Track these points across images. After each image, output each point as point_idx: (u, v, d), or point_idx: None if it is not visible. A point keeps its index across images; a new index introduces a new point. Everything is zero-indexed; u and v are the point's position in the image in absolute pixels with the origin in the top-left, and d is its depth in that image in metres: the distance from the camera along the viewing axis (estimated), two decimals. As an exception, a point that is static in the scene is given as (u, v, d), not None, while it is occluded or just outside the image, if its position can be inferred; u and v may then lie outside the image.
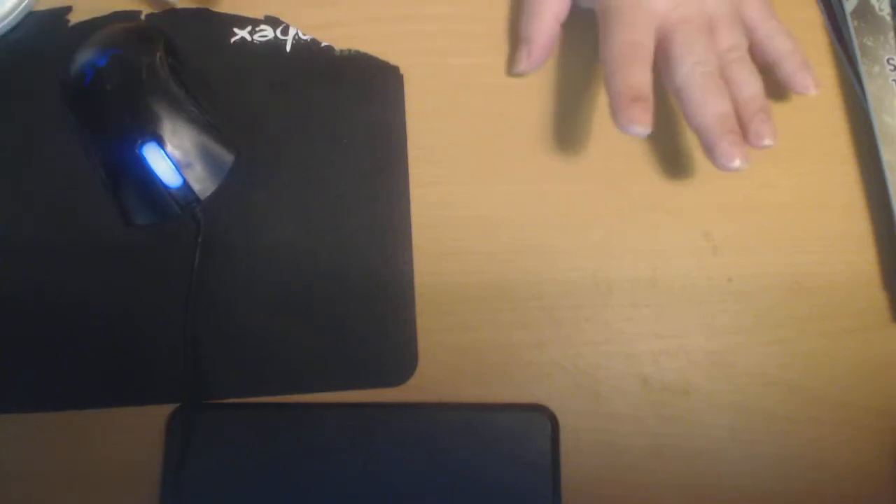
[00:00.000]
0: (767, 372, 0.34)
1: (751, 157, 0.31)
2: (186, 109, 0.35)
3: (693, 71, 0.32)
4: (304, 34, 0.39)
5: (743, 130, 0.32)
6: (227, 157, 0.36)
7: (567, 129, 0.38)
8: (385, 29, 0.39)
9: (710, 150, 0.32)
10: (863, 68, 0.37)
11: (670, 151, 0.37)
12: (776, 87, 0.38)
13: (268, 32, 0.39)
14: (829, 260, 0.35)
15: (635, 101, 0.31)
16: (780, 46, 0.35)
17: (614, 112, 0.31)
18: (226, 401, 0.34)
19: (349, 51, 0.39)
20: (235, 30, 0.39)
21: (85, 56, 0.36)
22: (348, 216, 0.36)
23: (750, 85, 0.33)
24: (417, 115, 0.37)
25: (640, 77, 0.32)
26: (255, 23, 0.39)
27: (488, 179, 0.37)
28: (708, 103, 0.32)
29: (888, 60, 0.37)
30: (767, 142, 0.32)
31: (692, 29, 0.33)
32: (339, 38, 0.39)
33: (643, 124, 0.31)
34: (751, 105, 0.33)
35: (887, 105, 0.36)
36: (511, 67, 0.38)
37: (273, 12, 0.40)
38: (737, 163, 0.31)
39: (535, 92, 0.38)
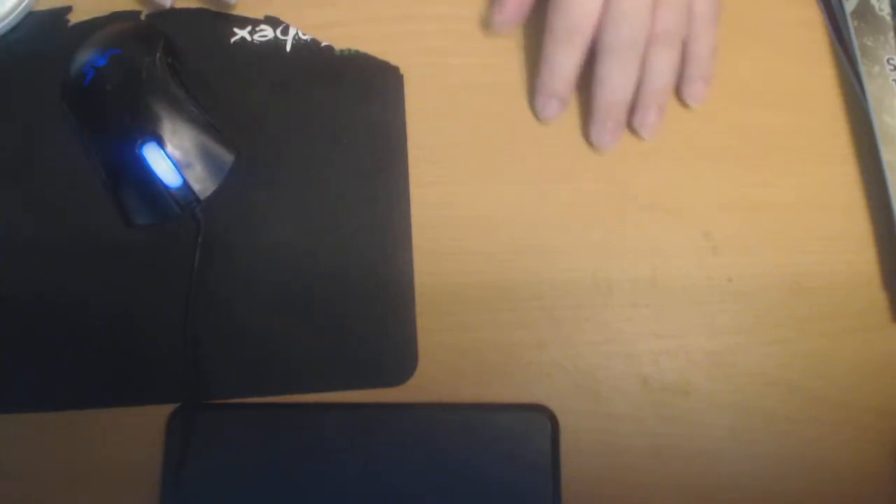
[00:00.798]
0: (767, 372, 0.34)
1: (617, 141, 0.36)
2: (186, 109, 0.35)
3: (613, 45, 0.34)
4: (304, 34, 0.39)
5: (632, 113, 0.36)
6: (227, 157, 0.36)
7: (567, 130, 0.37)
8: (385, 29, 0.39)
9: (589, 125, 0.36)
10: (863, 68, 0.37)
11: (670, 151, 0.37)
12: (776, 89, 0.38)
13: (268, 32, 0.39)
14: (829, 260, 0.35)
15: (552, 96, 0.36)
16: (698, 49, 0.36)
17: (535, 93, 0.37)
18: (226, 401, 0.34)
19: (349, 51, 0.39)
20: (235, 30, 0.39)
21: (85, 56, 0.36)
22: (348, 216, 0.36)
23: (660, 77, 0.35)
24: (417, 115, 0.37)
25: (566, 68, 0.35)
26: (255, 23, 0.39)
27: (488, 179, 0.37)
28: (611, 84, 0.35)
29: (888, 60, 0.37)
30: (645, 134, 0.36)
31: (632, 3, 0.34)
32: (339, 38, 0.39)
33: (548, 116, 0.37)
34: (650, 97, 0.35)
35: (887, 105, 0.36)
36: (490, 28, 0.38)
37: (273, 12, 0.40)
38: (604, 145, 0.36)
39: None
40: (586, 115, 0.37)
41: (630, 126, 0.36)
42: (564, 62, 0.35)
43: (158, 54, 0.36)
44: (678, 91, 0.37)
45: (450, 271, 0.35)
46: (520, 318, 0.35)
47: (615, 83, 0.35)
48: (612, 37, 0.34)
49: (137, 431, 0.33)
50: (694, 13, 0.35)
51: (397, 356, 0.34)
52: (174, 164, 0.34)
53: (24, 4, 0.39)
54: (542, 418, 0.33)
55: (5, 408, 0.34)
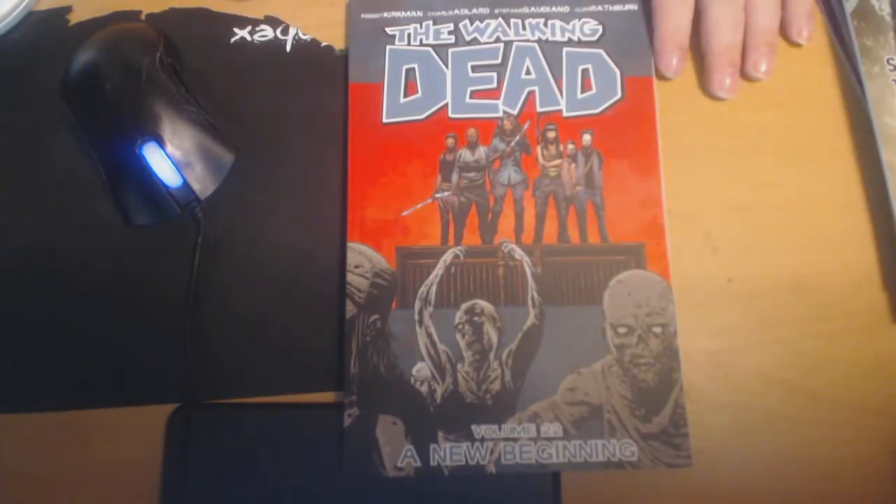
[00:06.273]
0: (767, 372, 0.34)
1: (738, 90, 0.37)
2: (186, 109, 0.35)
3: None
4: (304, 34, 0.39)
5: (744, 57, 0.37)
6: (227, 157, 0.36)
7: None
8: (385, 29, 0.39)
9: (708, 75, 0.37)
10: (863, 68, 0.37)
11: (671, 151, 0.37)
12: (776, 88, 0.38)
13: (268, 32, 0.39)
14: (829, 260, 0.35)
15: (677, 48, 0.37)
16: None
17: (656, 53, 0.37)
18: (226, 401, 0.34)
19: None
20: (235, 30, 0.39)
21: (85, 56, 0.36)
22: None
23: (765, 17, 0.37)
24: (417, 115, 0.37)
25: (685, 19, 0.37)
26: (255, 23, 0.39)
27: (488, 179, 0.37)
28: (722, 28, 0.36)
29: (888, 60, 0.37)
30: (761, 72, 0.37)
31: None
32: (339, 38, 0.39)
33: (678, 69, 0.37)
34: (759, 37, 0.37)
35: (887, 105, 0.36)
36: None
37: (273, 12, 0.40)
38: (726, 91, 0.37)
39: (535, 92, 0.38)
40: (702, 70, 0.37)
41: (744, 72, 0.37)
42: (682, 13, 0.37)
43: (158, 54, 0.36)
44: (785, 32, 0.38)
45: (450, 271, 0.35)
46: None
47: (725, 26, 0.36)
48: None
49: (137, 431, 0.33)
50: None
51: (397, 356, 0.34)
52: (174, 164, 0.34)
53: (24, 4, 0.39)
54: (542, 418, 0.33)
55: (5, 408, 0.34)
